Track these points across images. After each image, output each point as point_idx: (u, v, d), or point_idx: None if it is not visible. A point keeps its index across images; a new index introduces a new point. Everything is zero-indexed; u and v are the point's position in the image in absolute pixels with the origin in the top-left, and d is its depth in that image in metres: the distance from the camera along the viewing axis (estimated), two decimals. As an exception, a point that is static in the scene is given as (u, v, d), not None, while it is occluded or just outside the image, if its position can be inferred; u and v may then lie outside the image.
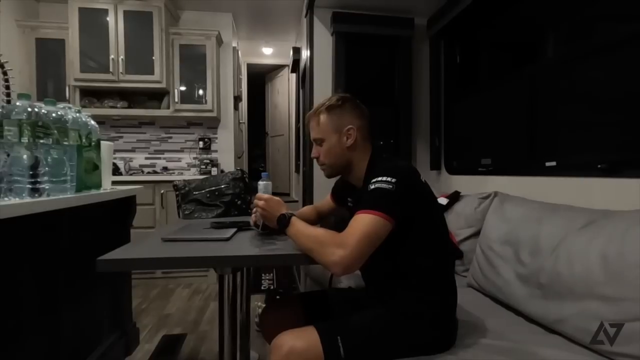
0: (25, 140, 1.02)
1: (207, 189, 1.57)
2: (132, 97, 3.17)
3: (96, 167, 1.37)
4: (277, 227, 0.98)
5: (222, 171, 3.38)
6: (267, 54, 4.66)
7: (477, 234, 1.63)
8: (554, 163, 1.57)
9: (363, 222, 0.83)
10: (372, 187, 0.88)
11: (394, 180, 0.87)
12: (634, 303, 0.86)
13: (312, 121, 1.08)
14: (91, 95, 3.08)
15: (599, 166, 1.29)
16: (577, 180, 1.38)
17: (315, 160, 1.11)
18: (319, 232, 0.88)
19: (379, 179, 0.88)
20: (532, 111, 1.76)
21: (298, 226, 0.91)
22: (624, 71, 1.30)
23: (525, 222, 1.32)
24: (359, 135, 1.04)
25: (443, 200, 1.93)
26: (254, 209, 1.07)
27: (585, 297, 0.97)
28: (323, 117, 1.05)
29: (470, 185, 2.08)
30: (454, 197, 1.94)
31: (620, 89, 1.32)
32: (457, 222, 1.77)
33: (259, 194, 1.04)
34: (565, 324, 1.01)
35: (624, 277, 0.89)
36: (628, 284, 0.88)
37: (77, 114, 1.28)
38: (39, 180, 1.02)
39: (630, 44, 1.26)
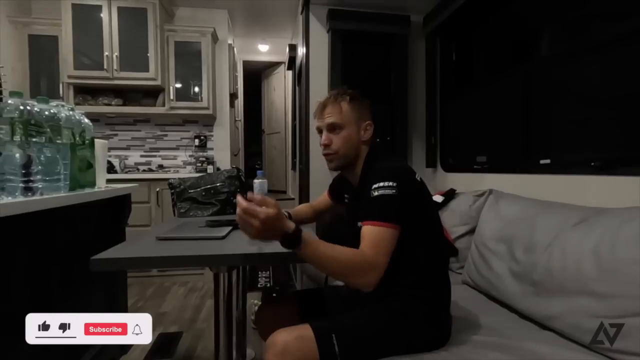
0: (17, 138, 1.01)
1: (203, 187, 1.56)
2: (127, 94, 3.14)
3: (90, 166, 1.36)
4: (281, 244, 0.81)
5: (218, 169, 3.37)
6: (263, 51, 4.64)
7: (472, 231, 1.64)
8: (548, 161, 1.58)
9: (384, 238, 0.85)
10: (376, 194, 0.89)
11: (394, 184, 0.88)
12: (626, 300, 0.87)
13: (331, 106, 1.03)
14: (85, 92, 3.05)
15: (593, 164, 1.30)
16: (571, 177, 1.40)
17: (319, 151, 1.07)
18: (343, 255, 0.82)
19: (381, 184, 0.89)
20: (527, 109, 1.76)
21: (316, 248, 0.80)
22: (618, 69, 1.31)
23: (519, 219, 1.32)
24: (372, 133, 1.05)
25: (438, 198, 1.94)
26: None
27: (578, 293, 0.98)
28: (345, 105, 1.03)
29: (466, 182, 2.09)
30: (450, 195, 1.95)
31: (615, 87, 1.33)
32: (453, 220, 1.77)
33: (247, 208, 0.79)
34: (558, 321, 1.02)
35: (617, 274, 0.90)
36: (620, 281, 0.89)
37: (70, 112, 1.26)
38: (31, 179, 1.01)
39: (624, 41, 1.27)
